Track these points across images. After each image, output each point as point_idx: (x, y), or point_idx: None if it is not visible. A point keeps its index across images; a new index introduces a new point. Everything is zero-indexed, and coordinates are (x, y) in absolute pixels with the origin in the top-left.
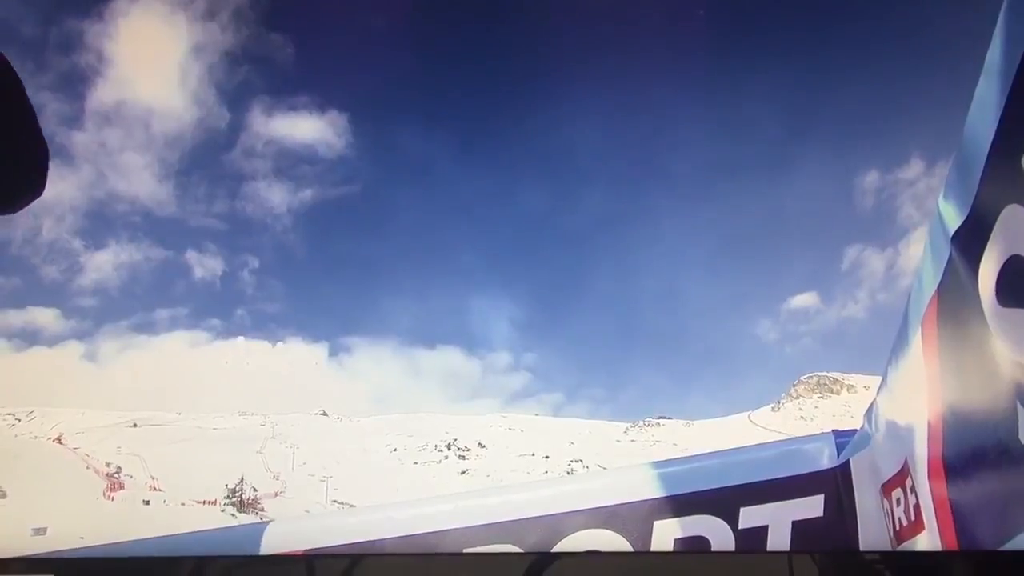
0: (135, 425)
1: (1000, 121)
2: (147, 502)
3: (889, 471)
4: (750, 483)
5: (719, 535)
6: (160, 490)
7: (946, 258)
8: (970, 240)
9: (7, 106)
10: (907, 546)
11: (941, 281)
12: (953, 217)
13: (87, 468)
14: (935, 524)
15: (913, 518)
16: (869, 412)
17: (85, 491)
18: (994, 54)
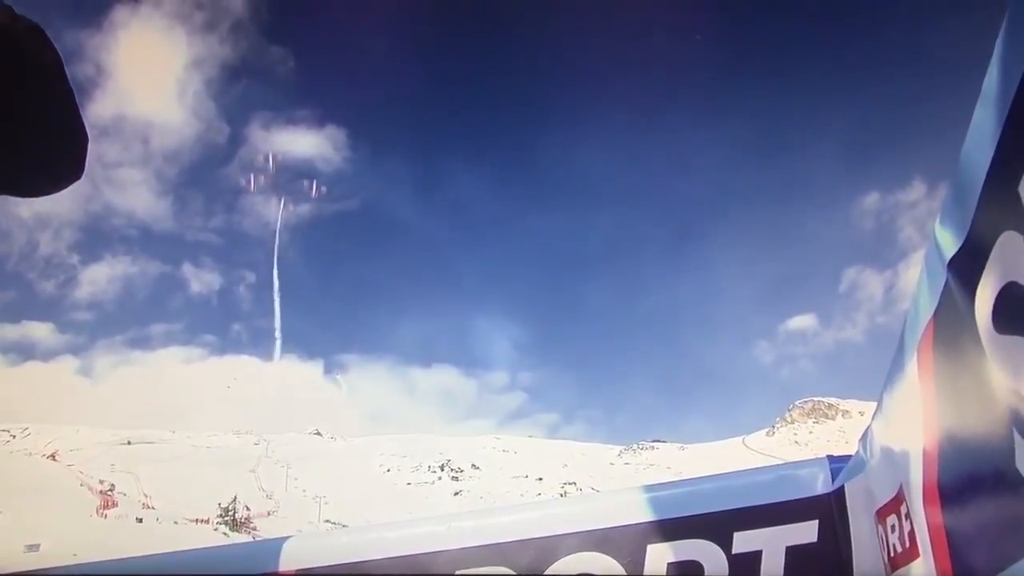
0: (129, 443)
1: (997, 148)
2: (140, 520)
3: (884, 497)
4: (744, 507)
5: (713, 560)
6: (153, 508)
7: (942, 284)
8: (967, 266)
9: (50, 84)
10: (901, 573)
11: (937, 307)
12: (950, 243)
13: (81, 485)
14: (930, 551)
15: (908, 545)
16: (864, 437)
17: (78, 508)
18: (991, 81)
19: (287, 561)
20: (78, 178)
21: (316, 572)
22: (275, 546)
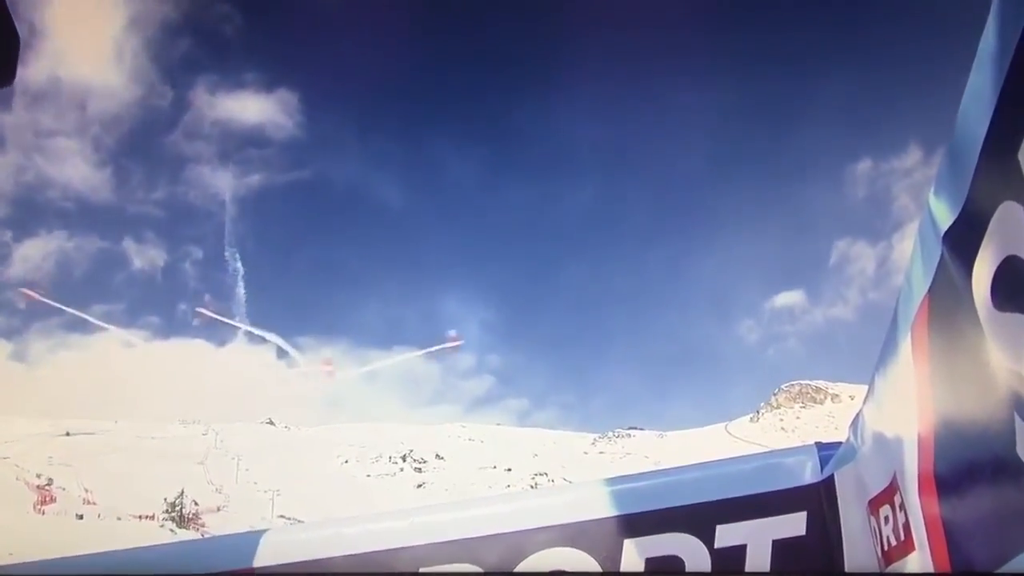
0: (68, 434)
1: (994, 114)
2: (80, 516)
3: (876, 487)
4: (727, 499)
5: (694, 554)
6: (94, 503)
7: (937, 258)
8: (963, 240)
9: None
10: (896, 567)
11: (932, 283)
12: (944, 215)
13: (16, 479)
14: (926, 544)
15: (903, 537)
16: (855, 423)
17: (14, 504)
18: (987, 43)
19: (238, 560)
20: (10, 84)
21: (270, 571)
22: (226, 543)
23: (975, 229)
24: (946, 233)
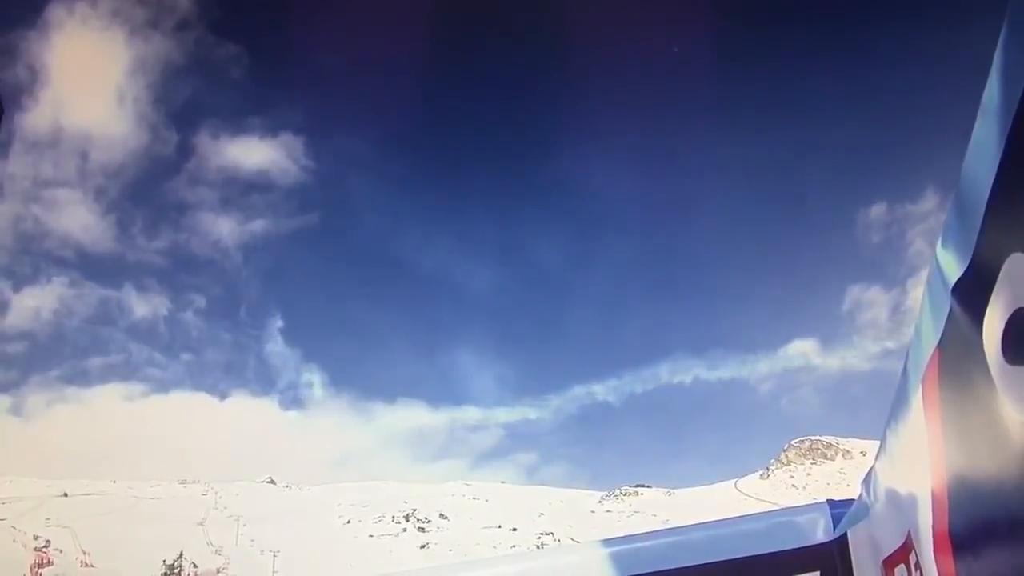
0: (66, 494)
1: (1000, 163)
2: None
3: (890, 545)
4: (737, 559)
5: None
6: (92, 566)
7: (947, 311)
8: (972, 292)
9: None
10: None
11: (942, 336)
12: (953, 267)
13: (13, 541)
14: None
15: None
16: (867, 480)
17: (10, 567)
18: (990, 95)
19: None
20: None
21: None
22: None
23: (984, 281)
24: (955, 285)
